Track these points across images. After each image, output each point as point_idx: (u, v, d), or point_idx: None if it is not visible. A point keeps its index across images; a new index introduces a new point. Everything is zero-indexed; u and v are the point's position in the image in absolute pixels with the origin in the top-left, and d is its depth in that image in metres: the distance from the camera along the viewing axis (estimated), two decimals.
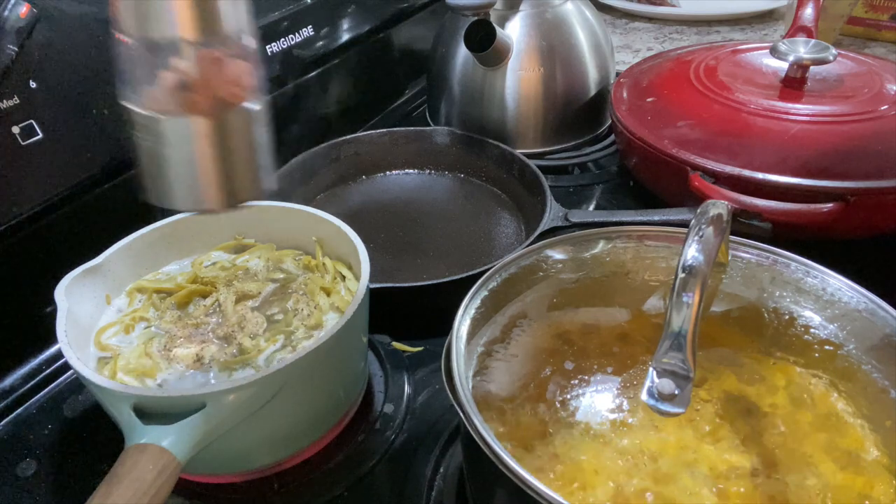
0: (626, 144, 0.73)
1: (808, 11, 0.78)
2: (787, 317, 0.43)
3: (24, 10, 0.49)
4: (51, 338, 0.43)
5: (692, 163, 0.63)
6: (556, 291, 0.45)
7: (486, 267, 0.44)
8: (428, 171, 0.81)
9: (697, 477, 0.36)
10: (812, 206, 0.58)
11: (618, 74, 0.83)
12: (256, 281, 0.52)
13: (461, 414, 0.33)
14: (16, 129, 0.51)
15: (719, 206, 0.35)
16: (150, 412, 0.38)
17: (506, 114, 0.81)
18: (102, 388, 0.39)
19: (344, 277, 0.52)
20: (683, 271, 0.32)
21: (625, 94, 0.76)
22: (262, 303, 0.50)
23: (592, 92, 0.84)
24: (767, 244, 0.43)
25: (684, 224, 0.36)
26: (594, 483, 0.35)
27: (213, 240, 0.56)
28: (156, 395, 0.38)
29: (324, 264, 0.53)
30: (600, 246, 0.45)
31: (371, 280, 0.47)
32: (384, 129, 0.81)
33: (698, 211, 0.35)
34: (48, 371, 0.57)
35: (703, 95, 0.70)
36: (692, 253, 0.33)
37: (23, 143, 0.52)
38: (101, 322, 0.49)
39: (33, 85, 0.52)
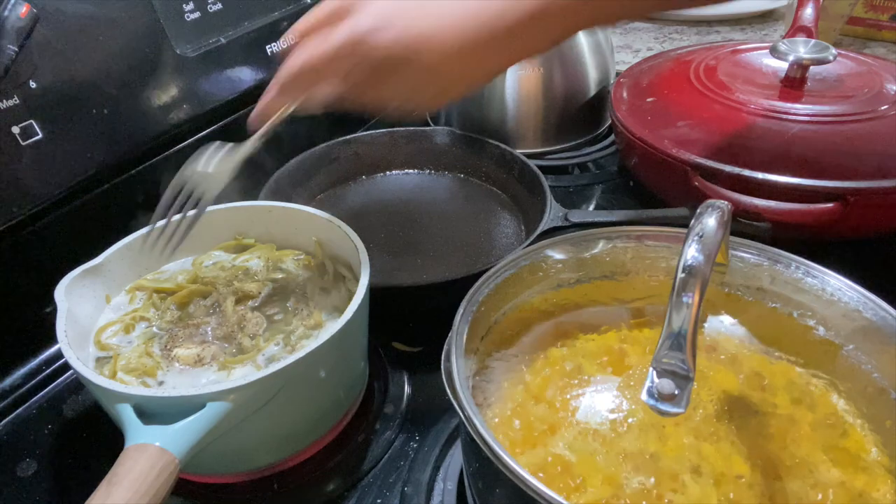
0: (626, 144, 0.73)
1: (808, 11, 0.78)
2: (787, 317, 0.43)
3: (24, 10, 0.49)
4: (51, 338, 0.43)
5: (692, 163, 0.63)
6: (556, 291, 0.45)
7: (486, 267, 0.44)
8: (428, 171, 0.81)
9: (697, 477, 0.36)
10: (812, 206, 0.58)
11: (618, 74, 0.83)
12: (256, 281, 0.52)
13: (461, 414, 0.33)
14: (16, 129, 0.51)
15: (719, 206, 0.35)
16: (150, 412, 0.38)
17: (506, 114, 0.81)
18: (102, 388, 0.39)
19: (344, 277, 0.52)
20: (683, 271, 0.32)
21: (625, 94, 0.76)
22: (262, 303, 0.50)
23: (592, 92, 0.83)
24: (767, 244, 0.43)
25: (684, 224, 0.36)
26: (594, 483, 0.35)
27: (214, 239, 0.56)
28: (156, 395, 0.38)
29: (323, 264, 0.53)
30: (600, 246, 0.45)
31: (371, 280, 0.47)
32: (384, 129, 0.81)
33: (698, 211, 0.35)
34: (48, 371, 0.57)
35: (703, 95, 0.70)
36: (692, 253, 0.33)
37: (23, 143, 0.52)
38: (101, 321, 0.49)
39: (33, 85, 0.52)
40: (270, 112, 0.43)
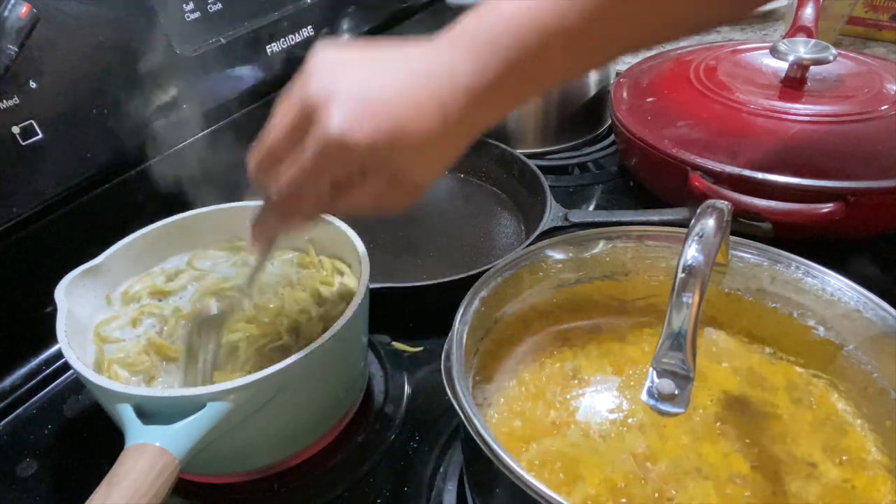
0: (626, 144, 0.73)
1: (808, 11, 0.78)
2: (787, 317, 0.43)
3: (24, 10, 0.49)
4: (51, 338, 0.43)
5: (692, 163, 0.63)
6: (556, 291, 0.45)
7: (486, 267, 0.44)
8: None
9: (697, 477, 0.36)
10: (812, 206, 0.58)
11: (618, 74, 0.83)
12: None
13: (461, 414, 0.33)
14: (16, 129, 0.51)
15: (719, 206, 0.35)
16: (150, 412, 0.38)
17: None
18: (102, 388, 0.39)
19: (342, 273, 0.52)
20: (683, 271, 0.32)
21: (625, 94, 0.76)
22: (262, 303, 0.50)
23: (592, 92, 0.83)
24: (767, 244, 0.43)
25: (684, 224, 0.36)
26: (594, 483, 0.35)
27: (213, 239, 0.56)
28: (156, 395, 0.38)
29: (320, 261, 0.53)
30: (600, 246, 0.45)
31: (371, 280, 0.47)
32: None
33: (698, 211, 0.35)
34: (48, 371, 0.57)
35: (703, 95, 0.70)
36: (692, 253, 0.33)
37: (23, 143, 0.52)
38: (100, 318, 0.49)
39: (33, 85, 0.52)
40: (267, 239, 0.42)
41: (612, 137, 0.85)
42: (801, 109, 0.65)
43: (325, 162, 0.35)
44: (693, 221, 0.35)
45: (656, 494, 0.35)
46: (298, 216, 0.39)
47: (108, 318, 0.48)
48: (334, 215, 0.39)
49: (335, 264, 0.53)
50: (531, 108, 0.81)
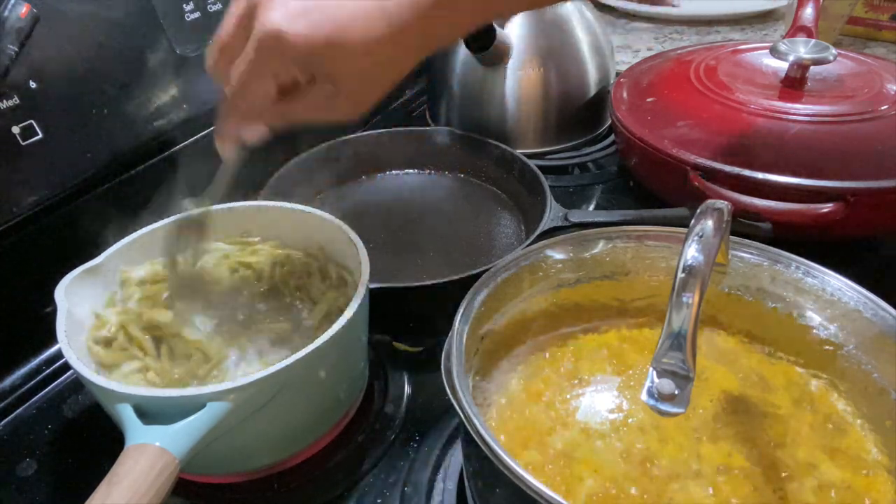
0: (626, 144, 0.73)
1: (808, 11, 0.78)
2: (787, 317, 0.43)
3: (24, 10, 0.49)
4: (51, 338, 0.43)
5: (692, 163, 0.63)
6: (556, 291, 0.45)
7: (486, 267, 0.44)
8: (428, 171, 0.81)
9: (697, 477, 0.36)
10: (812, 206, 0.58)
11: (618, 74, 0.83)
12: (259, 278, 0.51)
13: (461, 414, 0.33)
14: (16, 129, 0.51)
15: (719, 206, 0.35)
16: (150, 412, 0.38)
17: (506, 114, 0.81)
18: (102, 388, 0.39)
19: (346, 281, 0.52)
20: (683, 271, 0.32)
21: (625, 94, 0.76)
22: (265, 305, 0.50)
23: (592, 92, 0.84)
24: (767, 244, 0.43)
25: (684, 224, 0.36)
26: (593, 483, 0.35)
27: (214, 239, 0.55)
28: (156, 395, 0.38)
29: (327, 268, 0.53)
30: (600, 246, 0.45)
31: (371, 280, 0.47)
32: (384, 129, 0.81)
33: (698, 211, 0.35)
34: (48, 371, 0.57)
35: (703, 95, 0.70)
36: (692, 253, 0.33)
37: (23, 143, 0.52)
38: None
39: (33, 85, 0.52)
40: (232, 139, 0.42)
41: (612, 137, 0.85)
42: (801, 109, 0.65)
43: (265, 56, 0.35)
44: (693, 221, 0.35)
45: (656, 495, 0.35)
46: (251, 114, 0.40)
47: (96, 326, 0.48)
48: (289, 122, 0.40)
49: (341, 273, 0.52)
50: (531, 108, 0.81)
